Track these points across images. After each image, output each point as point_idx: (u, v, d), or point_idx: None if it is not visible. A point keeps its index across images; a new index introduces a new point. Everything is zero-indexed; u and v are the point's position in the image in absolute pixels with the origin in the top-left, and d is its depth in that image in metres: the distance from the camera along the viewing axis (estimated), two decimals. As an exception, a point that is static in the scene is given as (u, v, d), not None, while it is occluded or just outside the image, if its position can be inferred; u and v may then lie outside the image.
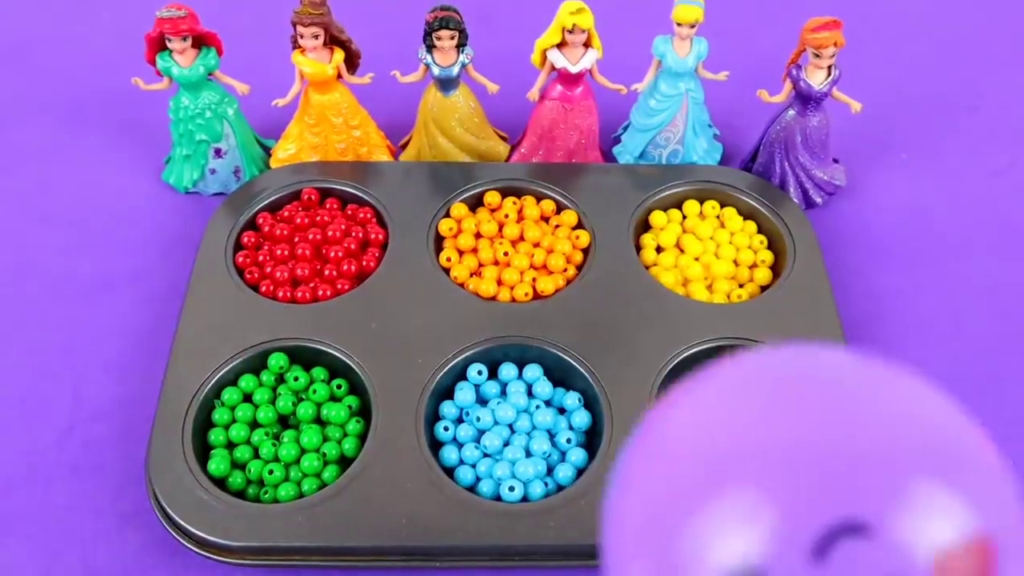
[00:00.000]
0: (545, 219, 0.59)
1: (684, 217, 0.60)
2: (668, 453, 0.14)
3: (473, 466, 0.48)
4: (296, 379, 0.50)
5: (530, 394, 0.51)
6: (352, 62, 0.60)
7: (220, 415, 0.49)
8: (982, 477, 0.12)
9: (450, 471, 0.48)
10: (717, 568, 0.12)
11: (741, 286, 0.57)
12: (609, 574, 0.14)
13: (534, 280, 0.55)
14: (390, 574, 0.46)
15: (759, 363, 0.14)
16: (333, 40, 0.58)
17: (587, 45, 0.58)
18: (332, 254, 0.56)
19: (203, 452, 0.48)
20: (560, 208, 0.59)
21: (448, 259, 0.56)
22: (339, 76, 0.60)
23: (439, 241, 0.58)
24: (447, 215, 0.59)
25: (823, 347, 0.14)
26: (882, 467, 0.12)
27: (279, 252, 0.56)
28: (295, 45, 0.58)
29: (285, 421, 0.50)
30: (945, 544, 0.11)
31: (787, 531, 0.11)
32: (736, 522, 0.12)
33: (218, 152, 0.62)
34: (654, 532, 0.13)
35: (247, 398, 0.50)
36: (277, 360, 0.51)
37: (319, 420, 0.50)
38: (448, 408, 0.50)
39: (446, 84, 0.60)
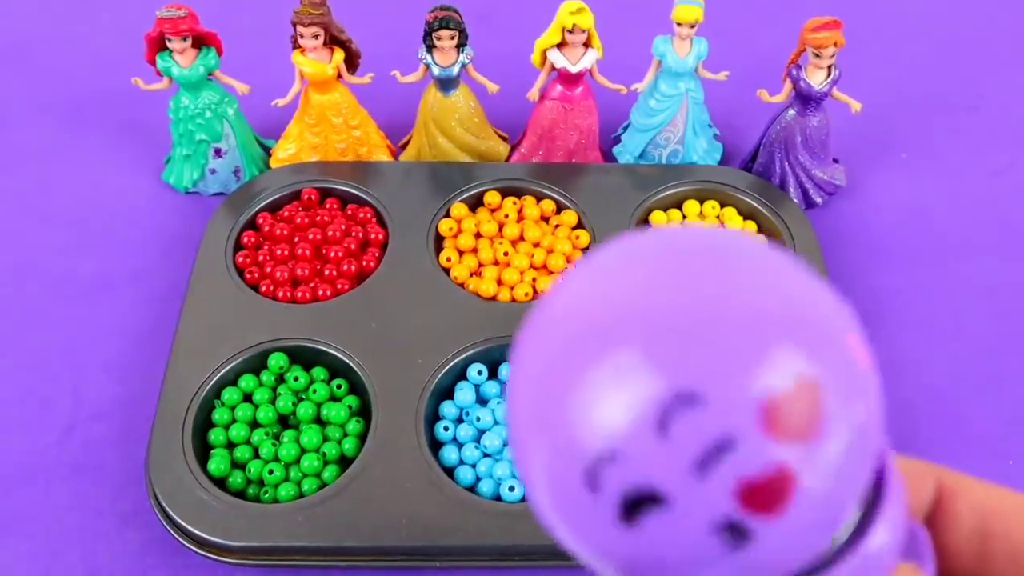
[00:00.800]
0: (545, 219, 0.59)
1: (684, 217, 0.60)
2: (551, 324, 0.14)
3: (473, 466, 0.48)
4: (296, 379, 0.50)
5: (530, 394, 0.51)
6: (352, 62, 0.60)
7: (220, 415, 0.49)
8: (816, 325, 0.13)
9: (450, 471, 0.48)
10: (606, 427, 0.13)
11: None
12: (515, 461, 0.15)
13: (534, 280, 0.55)
14: (390, 574, 0.46)
15: (637, 239, 0.15)
16: (333, 40, 0.58)
17: (587, 45, 0.58)
18: (332, 254, 0.56)
19: (203, 452, 0.48)
20: (560, 208, 0.59)
21: (448, 259, 0.56)
22: (339, 76, 0.60)
23: (439, 241, 0.58)
24: (447, 215, 0.59)
25: (711, 227, 0.15)
26: (739, 329, 0.13)
27: (279, 252, 0.56)
28: (295, 45, 0.58)
29: (285, 421, 0.50)
30: (775, 389, 0.12)
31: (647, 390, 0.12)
32: (616, 382, 0.13)
33: (218, 152, 0.62)
34: (544, 405, 0.14)
35: (247, 398, 0.50)
36: (277, 360, 0.51)
37: (319, 420, 0.50)
38: (448, 408, 0.50)
39: (446, 84, 0.60)
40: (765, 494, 0.12)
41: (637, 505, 0.13)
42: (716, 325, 0.13)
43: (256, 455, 0.48)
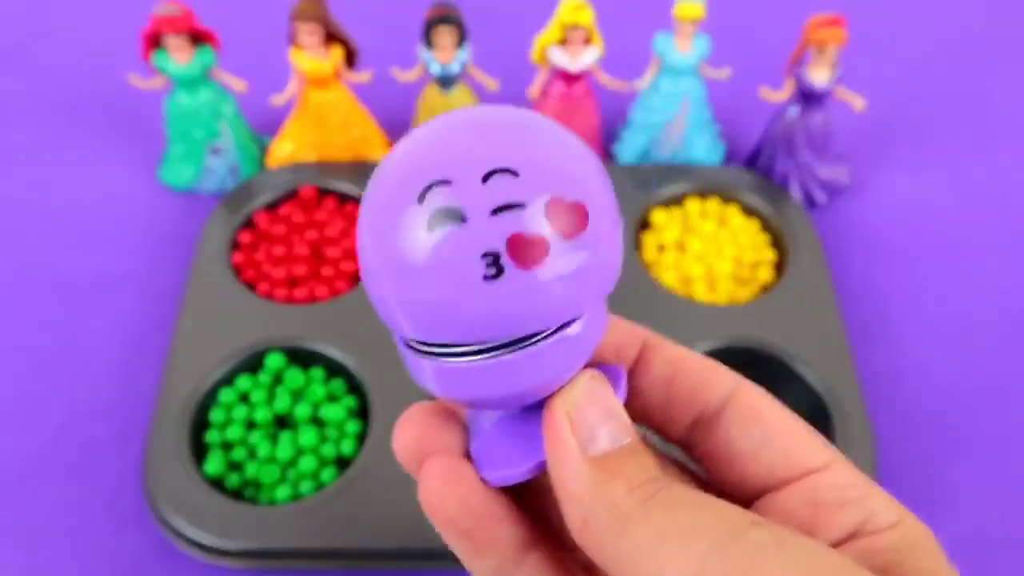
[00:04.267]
0: (545, 218, 0.59)
1: (686, 216, 0.59)
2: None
3: (472, 467, 0.47)
4: (293, 379, 0.49)
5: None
6: (350, 59, 0.60)
7: (216, 415, 0.48)
8: (592, 179, 0.19)
9: (449, 472, 0.47)
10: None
11: (743, 285, 0.56)
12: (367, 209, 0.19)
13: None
14: (388, 575, 0.46)
15: (450, 115, 0.20)
16: (331, 37, 0.58)
17: (588, 42, 0.58)
18: (330, 253, 0.56)
19: (199, 453, 0.48)
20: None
21: (447, 258, 0.56)
22: (337, 73, 0.59)
23: (438, 240, 0.57)
24: (446, 214, 0.58)
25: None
26: (532, 158, 0.18)
27: (276, 251, 0.56)
28: (293, 42, 0.58)
29: (282, 421, 0.50)
30: (565, 193, 0.18)
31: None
32: (463, 152, 0.18)
33: (215, 151, 0.61)
34: (408, 158, 0.19)
35: (244, 398, 0.49)
36: (274, 360, 0.50)
37: (317, 420, 0.49)
38: (447, 408, 0.49)
39: (445, 81, 0.59)
40: (525, 249, 0.17)
41: (443, 217, 0.17)
42: (538, 140, 0.19)
43: (253, 456, 0.48)
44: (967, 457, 0.50)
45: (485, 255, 0.17)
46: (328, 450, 0.47)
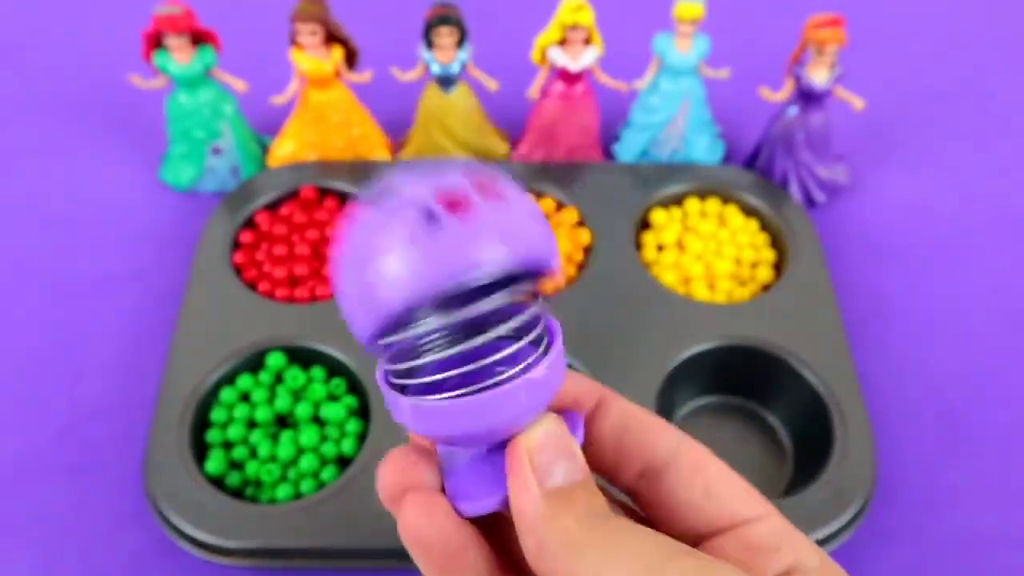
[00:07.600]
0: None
1: (685, 215, 0.59)
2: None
3: (473, 466, 0.47)
4: (294, 378, 0.50)
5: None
6: (351, 59, 0.60)
7: (217, 414, 0.49)
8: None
9: (449, 471, 0.47)
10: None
11: (743, 285, 0.56)
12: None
13: (534, 279, 0.55)
14: (388, 574, 0.46)
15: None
16: (332, 37, 0.58)
17: (588, 42, 0.58)
18: (331, 253, 0.56)
19: (200, 452, 0.48)
20: (560, 207, 0.59)
21: (447, 258, 0.56)
22: (338, 73, 0.59)
23: (438, 240, 0.57)
24: (446, 214, 0.58)
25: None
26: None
27: (277, 251, 0.56)
28: (293, 42, 0.58)
29: (283, 421, 0.50)
30: (474, 179, 0.21)
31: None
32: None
33: (216, 150, 0.61)
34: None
35: (245, 397, 0.50)
36: (275, 359, 0.50)
37: (317, 419, 0.49)
38: (447, 408, 0.49)
39: (446, 82, 0.60)
40: (453, 200, 0.20)
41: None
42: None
43: (254, 455, 0.48)
44: (966, 456, 0.50)
45: (424, 211, 0.20)
46: (329, 449, 0.47)
